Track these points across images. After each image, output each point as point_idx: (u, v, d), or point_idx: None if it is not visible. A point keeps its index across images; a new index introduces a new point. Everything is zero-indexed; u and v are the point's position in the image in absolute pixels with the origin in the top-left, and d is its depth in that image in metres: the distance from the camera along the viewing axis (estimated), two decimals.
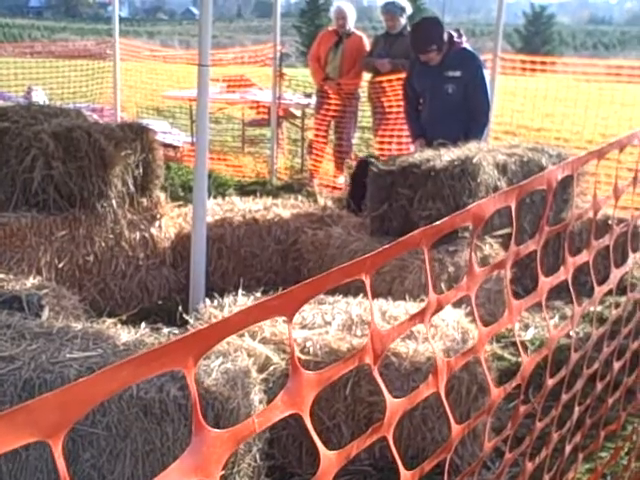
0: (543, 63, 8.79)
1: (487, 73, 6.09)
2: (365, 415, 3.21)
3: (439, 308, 1.27)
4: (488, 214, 1.25)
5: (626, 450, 3.16)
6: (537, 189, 1.50)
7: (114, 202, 4.83)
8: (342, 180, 8.53)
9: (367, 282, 1.09)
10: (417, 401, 1.28)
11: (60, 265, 4.64)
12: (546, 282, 1.56)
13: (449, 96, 5.80)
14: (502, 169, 5.03)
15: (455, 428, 1.39)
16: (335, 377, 1.10)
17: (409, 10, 8.24)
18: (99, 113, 10.27)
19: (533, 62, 8.49)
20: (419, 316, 1.24)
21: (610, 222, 2.28)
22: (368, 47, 8.36)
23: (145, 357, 0.82)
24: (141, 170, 4.97)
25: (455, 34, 5.89)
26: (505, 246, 4.77)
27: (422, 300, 3.90)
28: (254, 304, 0.98)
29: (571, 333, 2.07)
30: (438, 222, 1.16)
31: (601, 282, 2.05)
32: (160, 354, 0.84)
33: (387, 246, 1.12)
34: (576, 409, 2.00)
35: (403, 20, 8.04)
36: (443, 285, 4.44)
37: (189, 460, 0.88)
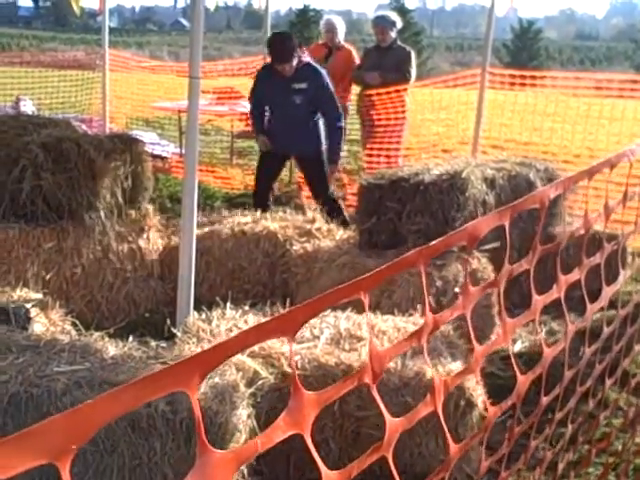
0: (533, 77, 8.84)
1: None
2: (353, 430, 3.20)
3: (435, 328, 1.27)
4: (483, 234, 1.26)
5: (613, 466, 3.16)
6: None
7: (102, 214, 4.81)
8: None
9: (366, 301, 1.10)
10: (415, 420, 1.29)
11: (47, 277, 4.62)
12: (539, 300, 1.57)
13: (297, 107, 6.24)
14: (490, 183, 5.05)
15: (453, 447, 1.39)
16: (335, 397, 1.11)
17: (399, 24, 8.29)
18: (88, 124, 10.22)
19: (523, 77, 8.54)
20: (416, 336, 1.25)
21: (599, 238, 2.29)
22: (358, 60, 8.39)
23: (149, 379, 0.82)
24: (130, 182, 4.95)
25: (298, 51, 6.32)
26: (492, 260, 4.78)
27: (410, 314, 3.90)
28: (255, 325, 0.99)
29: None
30: (434, 242, 1.17)
31: (590, 297, 2.05)
32: (164, 376, 0.85)
33: (384, 266, 1.13)
34: (569, 427, 2.00)
35: (393, 34, 8.09)
36: (431, 299, 4.44)
37: None
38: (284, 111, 6.30)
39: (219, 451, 0.92)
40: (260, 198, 6.53)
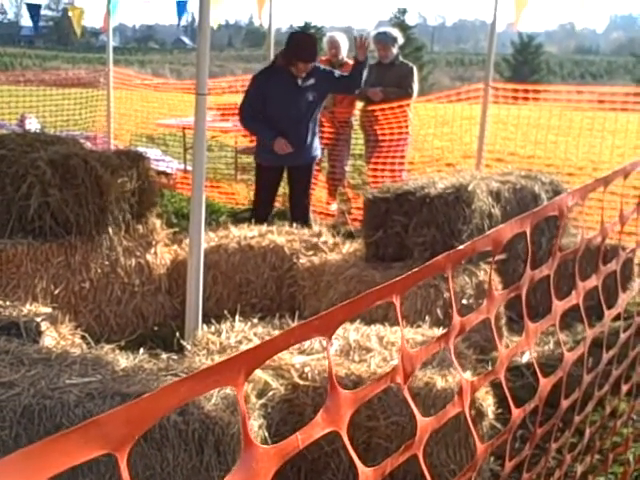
0: (536, 92, 8.90)
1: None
2: (364, 440, 3.21)
3: (462, 330, 1.30)
4: (506, 239, 1.29)
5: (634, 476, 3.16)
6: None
7: (110, 229, 4.84)
8: (334, 207, 8.57)
9: (397, 303, 1.13)
10: (444, 420, 1.31)
11: (56, 291, 4.64)
12: (559, 306, 1.59)
13: (310, 104, 6.31)
14: (496, 196, 5.07)
15: (480, 447, 1.42)
16: (369, 396, 1.14)
17: (401, 40, 8.35)
18: (92, 141, 10.29)
19: (525, 91, 8.58)
20: (444, 338, 1.27)
21: (605, 249, 2.30)
22: None
23: (201, 375, 0.86)
24: (137, 197, 4.99)
25: None
26: (499, 272, 4.79)
27: (418, 326, 3.91)
28: (297, 325, 1.02)
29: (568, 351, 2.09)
30: (461, 246, 1.20)
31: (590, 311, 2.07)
32: (214, 372, 0.89)
33: (415, 270, 1.16)
34: (587, 430, 2.02)
35: (395, 50, 8.14)
36: (439, 311, 4.46)
37: (240, 474, 0.91)
38: (297, 110, 6.25)
39: (263, 446, 0.95)
40: (261, 213, 6.52)
